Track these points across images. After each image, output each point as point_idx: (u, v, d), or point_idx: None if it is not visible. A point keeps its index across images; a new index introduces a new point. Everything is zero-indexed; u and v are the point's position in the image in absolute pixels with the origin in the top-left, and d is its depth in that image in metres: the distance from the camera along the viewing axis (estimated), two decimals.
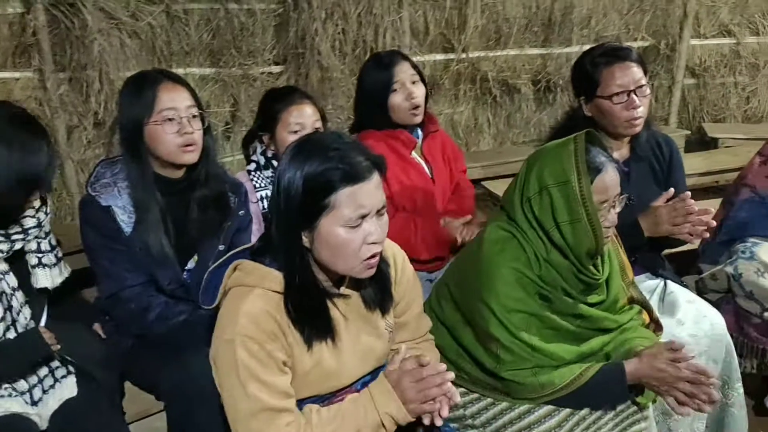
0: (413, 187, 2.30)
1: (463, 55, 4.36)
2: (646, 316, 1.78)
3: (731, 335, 2.32)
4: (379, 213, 1.33)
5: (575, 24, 4.48)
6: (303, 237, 1.31)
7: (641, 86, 1.97)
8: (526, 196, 1.56)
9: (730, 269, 2.30)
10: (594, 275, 1.59)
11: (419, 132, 2.46)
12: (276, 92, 2.32)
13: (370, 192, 1.29)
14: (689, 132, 4.72)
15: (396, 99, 2.38)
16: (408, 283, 1.54)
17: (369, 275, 1.36)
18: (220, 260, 1.44)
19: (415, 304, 1.60)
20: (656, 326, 1.82)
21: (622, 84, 1.96)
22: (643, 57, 2.05)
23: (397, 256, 1.53)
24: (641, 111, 1.98)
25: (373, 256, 1.32)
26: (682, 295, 2.04)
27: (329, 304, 1.40)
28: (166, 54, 3.62)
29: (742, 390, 2.03)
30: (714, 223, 1.90)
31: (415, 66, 2.59)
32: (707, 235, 1.91)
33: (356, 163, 1.28)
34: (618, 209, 1.60)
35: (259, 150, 2.29)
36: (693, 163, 3.97)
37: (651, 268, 2.14)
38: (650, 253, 2.15)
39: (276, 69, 3.94)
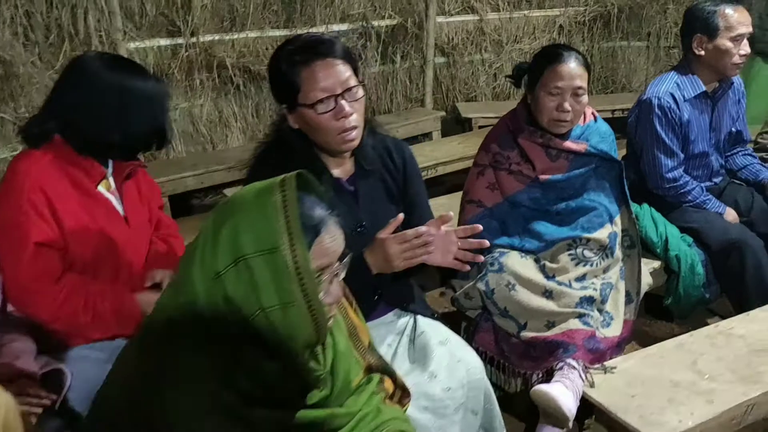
0: (99, 231, 1.67)
1: (193, 39, 3.76)
2: (389, 384, 1.41)
3: (491, 357, 2.12)
4: None
5: (318, 1, 4.08)
6: None
7: (350, 88, 1.56)
8: (214, 269, 1.06)
9: (481, 285, 2.06)
10: (315, 371, 1.16)
11: (108, 162, 1.83)
12: None
13: None
14: (444, 113, 4.61)
15: None
16: None
17: None
18: None
19: None
20: (403, 393, 1.46)
21: (325, 87, 1.54)
22: (350, 51, 1.64)
23: None
24: (354, 119, 1.58)
25: None
26: (435, 334, 1.72)
27: None
28: None
29: None
30: (487, 243, 1.58)
31: None
32: (482, 258, 1.60)
33: None
34: (342, 275, 1.17)
35: None
36: (450, 149, 3.82)
37: (399, 302, 1.80)
38: (396, 284, 1.80)
39: None
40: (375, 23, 4.32)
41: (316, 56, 1.57)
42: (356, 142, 1.65)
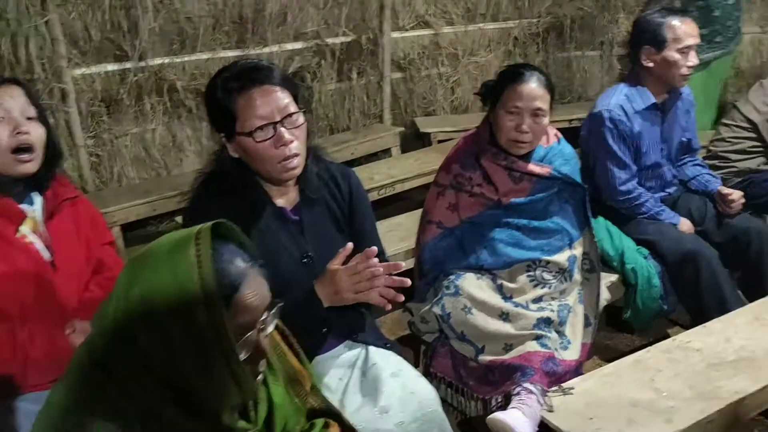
0: (20, 279, 1.58)
1: (142, 63, 3.66)
2: (335, 428, 1.35)
3: (449, 382, 2.07)
4: None
5: (269, 21, 4.03)
6: None
7: (290, 115, 1.52)
8: (127, 330, 0.99)
9: (437, 309, 2.02)
10: (244, 429, 1.09)
11: (35, 199, 1.74)
12: None
13: None
14: (403, 128, 4.58)
15: None
16: None
17: None
18: None
19: None
20: None
21: (263, 115, 1.49)
22: (290, 78, 1.59)
23: None
24: (295, 147, 1.53)
25: None
26: (387, 365, 1.66)
27: None
28: None
29: None
30: (408, 282, 1.54)
31: (31, 95, 1.85)
32: (402, 298, 1.55)
33: None
34: (272, 328, 1.11)
35: None
36: (407, 166, 3.79)
37: (349, 334, 1.74)
38: (348, 313, 1.74)
39: None
40: (329, 41, 4.28)
41: (253, 83, 1.53)
42: (298, 171, 1.61)
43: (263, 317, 1.07)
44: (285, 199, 1.67)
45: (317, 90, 4.32)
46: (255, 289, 1.05)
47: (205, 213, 1.47)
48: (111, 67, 3.63)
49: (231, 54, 3.98)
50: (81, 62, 3.50)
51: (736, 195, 2.50)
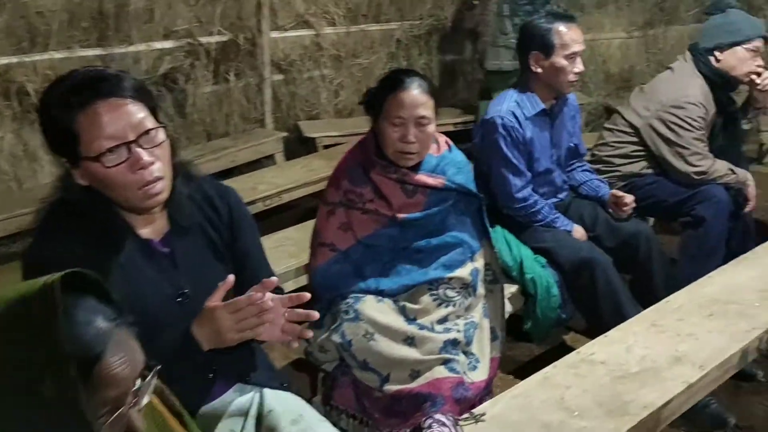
0: None
1: None
2: None
3: (352, 414, 1.92)
4: None
5: (134, 17, 3.68)
6: None
7: (147, 132, 1.28)
8: None
9: (336, 337, 1.85)
10: None
11: None
12: None
13: None
14: (287, 133, 4.37)
15: None
16: None
17: None
18: None
19: None
20: None
21: (113, 134, 1.23)
22: (144, 88, 1.32)
23: None
24: (157, 169, 1.28)
25: None
26: (285, 410, 1.46)
27: None
28: None
29: None
30: (316, 315, 1.36)
31: None
32: (310, 335, 1.37)
33: None
34: (146, 399, 0.89)
35: None
36: (294, 174, 3.58)
37: (239, 376, 1.53)
38: (236, 351, 1.52)
39: None
40: (203, 40, 3.99)
41: (96, 96, 1.25)
42: (164, 196, 1.35)
43: (135, 387, 0.86)
44: (151, 228, 1.42)
45: (191, 93, 4.02)
46: (122, 356, 0.83)
47: (51, 255, 1.21)
48: None
49: (90, 53, 3.62)
50: None
51: (629, 198, 2.53)
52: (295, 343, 1.37)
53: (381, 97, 1.92)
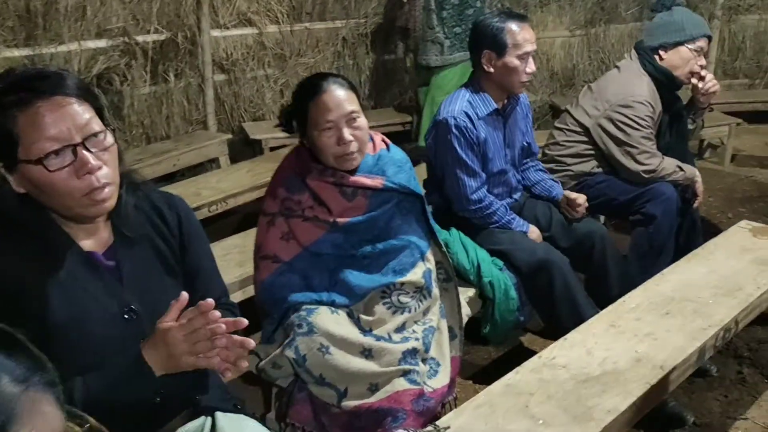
0: None
1: None
2: None
3: None
4: None
5: (65, 15, 3.47)
6: None
7: (95, 134, 1.18)
8: None
9: (290, 352, 1.76)
10: None
11: None
12: None
13: None
14: (231, 135, 4.22)
15: None
16: None
17: None
18: None
19: None
20: None
21: (57, 136, 1.14)
22: (86, 85, 1.23)
23: None
24: (105, 174, 1.17)
25: None
26: None
27: None
28: None
29: None
30: (252, 344, 1.26)
31: None
32: (246, 365, 1.27)
33: None
34: None
35: None
36: (239, 178, 3.45)
37: (188, 401, 1.42)
38: (186, 374, 1.42)
39: None
40: (139, 38, 3.81)
41: (37, 95, 1.16)
42: (111, 203, 1.26)
43: None
44: (94, 240, 1.31)
45: (128, 94, 3.83)
46: (33, 427, 0.71)
47: None
48: None
49: (18, 53, 3.41)
50: None
51: (582, 199, 2.52)
52: (229, 373, 1.27)
53: (303, 108, 1.83)
